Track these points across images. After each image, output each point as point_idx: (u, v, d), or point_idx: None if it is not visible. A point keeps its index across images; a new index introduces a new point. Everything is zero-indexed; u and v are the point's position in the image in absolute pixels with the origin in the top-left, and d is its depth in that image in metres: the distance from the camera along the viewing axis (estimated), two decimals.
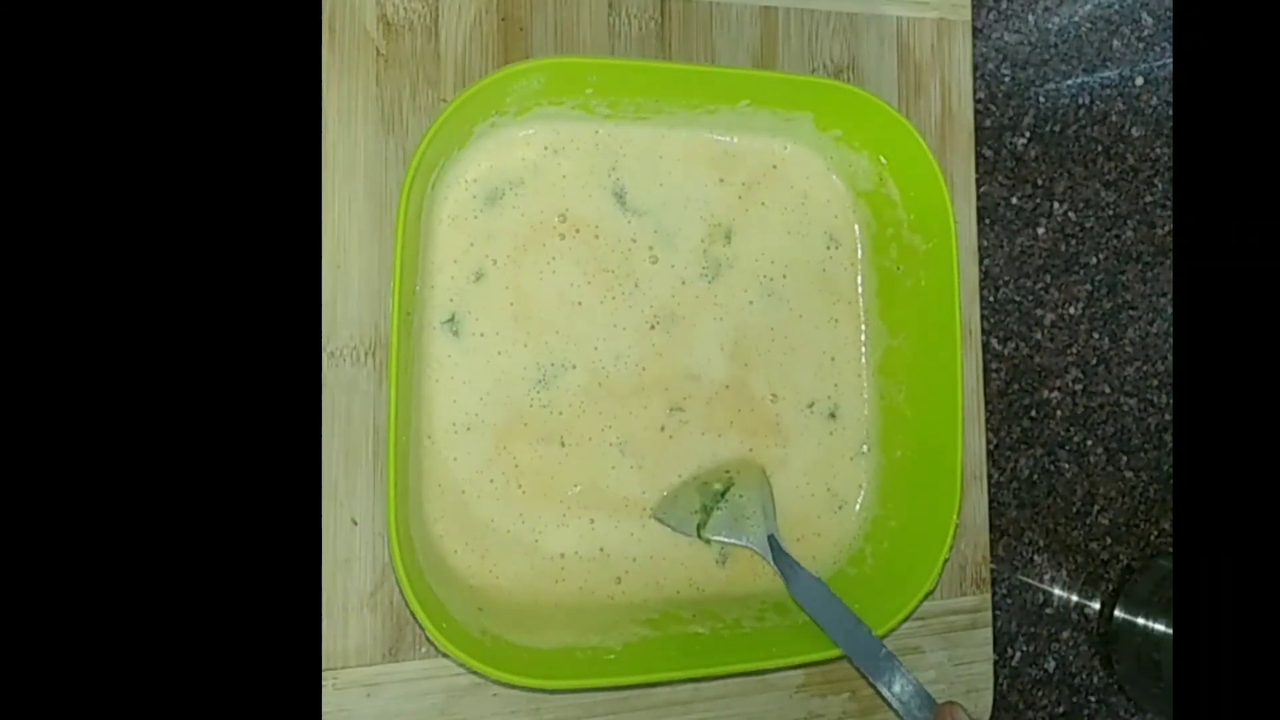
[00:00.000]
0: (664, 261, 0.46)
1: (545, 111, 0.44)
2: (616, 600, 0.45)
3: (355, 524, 0.43)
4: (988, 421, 0.54)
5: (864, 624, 0.43)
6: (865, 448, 0.48)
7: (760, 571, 0.47)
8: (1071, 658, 0.56)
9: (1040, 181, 0.56)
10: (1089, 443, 0.56)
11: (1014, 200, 0.55)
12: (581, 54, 0.47)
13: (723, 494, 0.45)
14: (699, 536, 0.45)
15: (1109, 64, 0.57)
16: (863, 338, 0.49)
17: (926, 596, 0.44)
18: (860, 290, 0.49)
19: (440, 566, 0.43)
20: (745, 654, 0.43)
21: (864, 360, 0.49)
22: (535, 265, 0.45)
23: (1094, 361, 0.57)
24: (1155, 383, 0.58)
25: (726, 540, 0.45)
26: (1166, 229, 0.58)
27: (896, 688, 0.41)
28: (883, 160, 0.46)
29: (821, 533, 0.47)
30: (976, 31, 0.54)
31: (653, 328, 0.46)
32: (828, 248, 0.49)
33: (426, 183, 0.42)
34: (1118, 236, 0.57)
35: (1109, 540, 0.57)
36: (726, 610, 0.45)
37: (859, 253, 0.49)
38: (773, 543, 0.45)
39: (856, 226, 0.49)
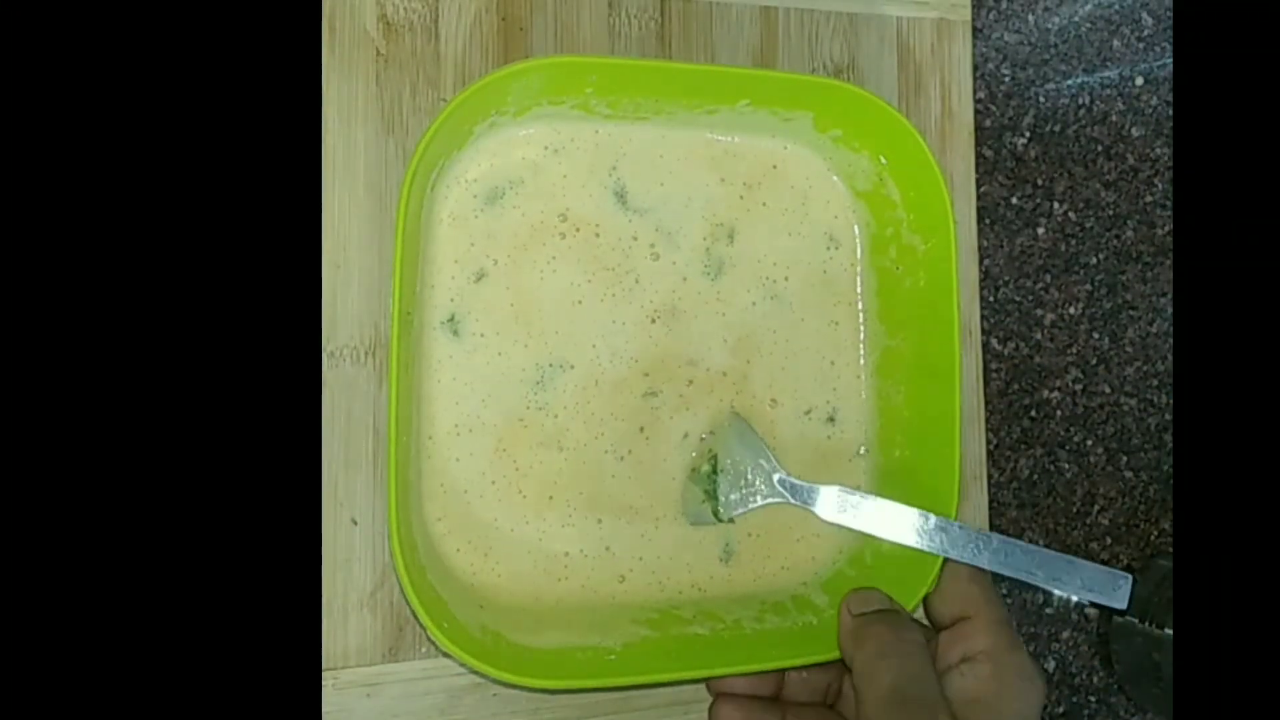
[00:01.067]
0: (665, 258, 0.46)
1: (545, 111, 0.44)
2: (618, 599, 0.45)
3: (355, 524, 0.43)
4: (988, 421, 0.54)
5: (912, 508, 0.43)
6: (863, 449, 0.48)
7: (761, 571, 0.47)
8: (1071, 658, 0.56)
9: (1040, 181, 0.56)
10: (1089, 443, 0.56)
11: (1014, 200, 0.55)
12: (581, 54, 0.47)
13: (713, 471, 0.45)
14: (720, 521, 0.46)
15: (1109, 64, 0.57)
16: (862, 338, 0.49)
17: (925, 597, 0.44)
18: (860, 291, 0.49)
19: (441, 565, 0.43)
20: (746, 655, 0.43)
21: (863, 361, 0.49)
22: (536, 265, 0.45)
23: (1094, 361, 0.57)
24: (1155, 383, 0.58)
25: (747, 510, 0.45)
26: (1166, 229, 0.58)
27: (968, 553, 0.42)
28: (883, 160, 0.46)
29: (820, 533, 0.47)
30: (976, 31, 0.54)
31: (653, 322, 0.46)
32: (828, 248, 0.49)
33: (426, 183, 0.42)
34: (1118, 236, 0.57)
35: (1109, 540, 0.57)
36: (727, 611, 0.45)
37: (859, 253, 0.49)
38: (784, 485, 0.45)
39: (856, 227, 0.49)
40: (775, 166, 0.48)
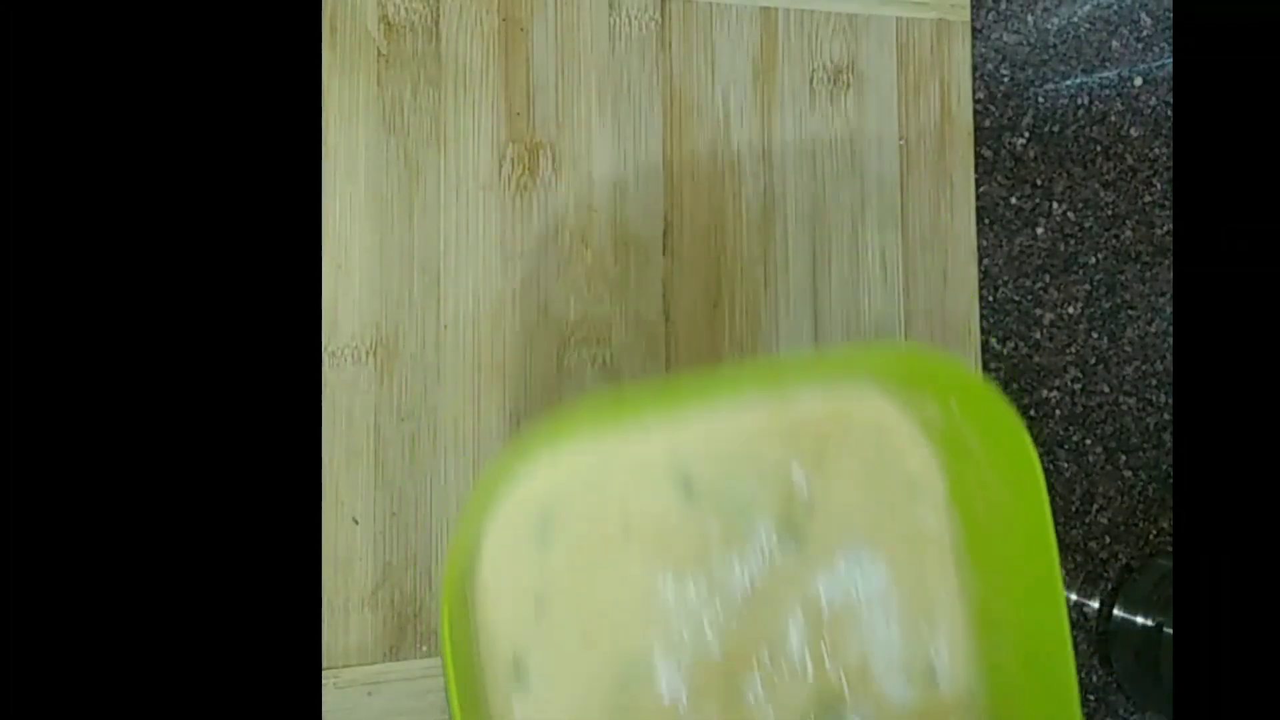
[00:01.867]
0: (739, 541, 0.42)
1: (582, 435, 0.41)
2: None
3: (356, 523, 0.44)
4: None
5: None
6: (973, 706, 0.44)
7: None
8: None
9: (1039, 181, 0.56)
10: (1088, 442, 0.57)
11: (1013, 200, 0.56)
12: (582, 56, 0.47)
13: None
14: None
15: (1108, 64, 0.57)
16: (955, 590, 0.45)
17: None
18: (948, 539, 0.45)
19: None
20: None
21: (960, 615, 0.44)
22: (599, 579, 0.40)
23: (1093, 361, 0.57)
24: (1154, 382, 0.58)
25: None
26: (1165, 229, 0.58)
27: None
28: (953, 405, 0.43)
29: None
30: (976, 32, 0.54)
31: (729, 612, 0.42)
32: (909, 499, 0.44)
33: (464, 575, 0.38)
34: (1116, 236, 0.57)
35: (1108, 539, 0.57)
36: None
37: (941, 499, 0.45)
38: None
39: (936, 471, 0.45)
40: (844, 421, 0.44)
